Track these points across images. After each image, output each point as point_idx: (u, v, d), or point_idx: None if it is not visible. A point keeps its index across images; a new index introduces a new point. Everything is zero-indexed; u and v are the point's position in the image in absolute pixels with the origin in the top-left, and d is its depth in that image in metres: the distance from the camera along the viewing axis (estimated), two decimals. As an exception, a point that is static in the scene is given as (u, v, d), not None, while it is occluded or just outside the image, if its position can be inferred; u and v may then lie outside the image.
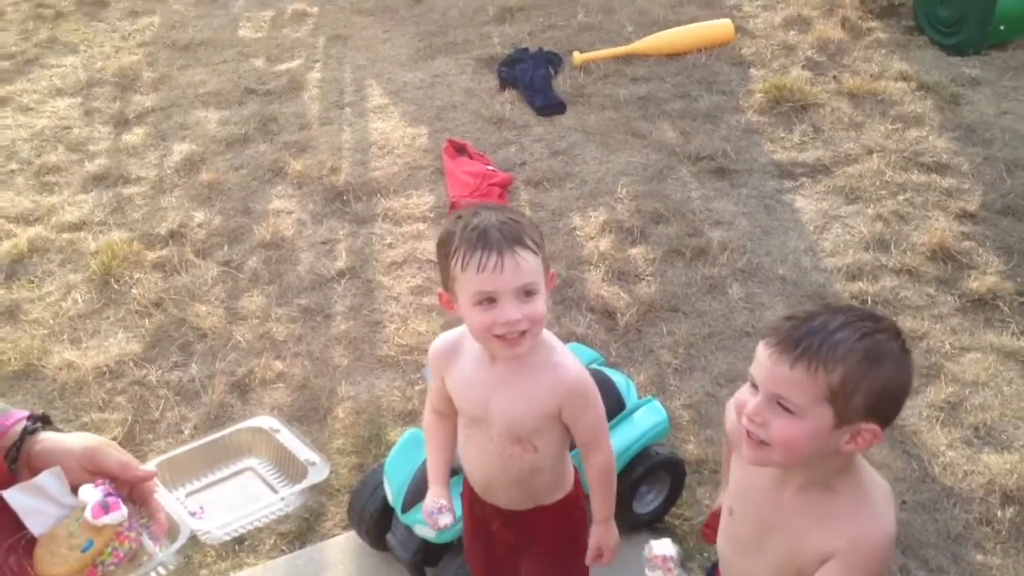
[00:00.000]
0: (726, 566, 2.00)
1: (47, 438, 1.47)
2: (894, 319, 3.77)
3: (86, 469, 1.46)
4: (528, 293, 1.91)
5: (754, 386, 1.68)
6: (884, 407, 1.63)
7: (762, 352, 1.66)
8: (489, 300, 1.91)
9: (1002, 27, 5.63)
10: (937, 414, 3.45)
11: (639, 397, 3.04)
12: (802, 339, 1.61)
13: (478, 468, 2.25)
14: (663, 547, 2.00)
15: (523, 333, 1.93)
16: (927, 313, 3.89)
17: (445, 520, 2.17)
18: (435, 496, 2.22)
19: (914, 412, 3.46)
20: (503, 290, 1.89)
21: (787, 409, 1.63)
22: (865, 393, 1.59)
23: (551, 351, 2.08)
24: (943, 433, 3.38)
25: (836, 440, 1.64)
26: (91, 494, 1.43)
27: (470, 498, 2.35)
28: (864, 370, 1.59)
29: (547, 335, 2.10)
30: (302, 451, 1.81)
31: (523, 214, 2.02)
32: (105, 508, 1.42)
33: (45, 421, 1.50)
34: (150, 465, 1.59)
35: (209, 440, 1.83)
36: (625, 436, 2.88)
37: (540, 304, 1.93)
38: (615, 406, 2.91)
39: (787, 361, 1.61)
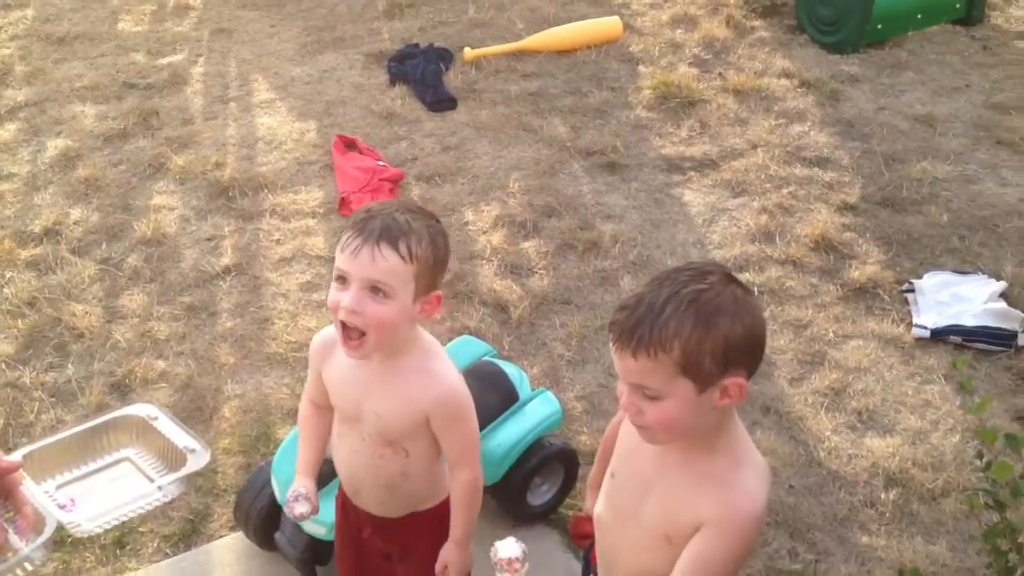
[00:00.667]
0: (603, 535, 1.97)
1: None
2: (776, 309, 3.87)
3: None
4: (376, 291, 1.88)
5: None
6: (737, 358, 1.64)
7: (611, 348, 1.68)
8: (343, 280, 1.91)
9: (879, 26, 5.82)
10: (822, 400, 3.53)
11: (532, 389, 3.03)
12: (635, 329, 1.62)
13: (349, 469, 2.20)
14: (508, 548, 1.95)
15: (362, 335, 1.91)
16: (811, 302, 3.97)
17: (301, 509, 2.12)
18: (297, 484, 2.17)
19: (799, 399, 3.54)
20: (353, 275, 1.88)
21: (650, 396, 1.65)
22: (710, 354, 1.61)
23: (429, 358, 2.05)
24: (828, 418, 3.46)
25: (708, 402, 1.65)
26: None
27: (343, 502, 2.30)
28: (701, 335, 1.60)
29: (430, 343, 2.08)
30: (181, 438, 1.75)
31: (438, 230, 1.97)
32: None
33: None
34: (16, 456, 1.49)
35: (82, 429, 1.75)
36: (518, 427, 2.86)
37: (387, 309, 1.89)
38: (508, 397, 2.89)
39: (629, 354, 1.63)
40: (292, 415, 3.43)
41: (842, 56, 5.83)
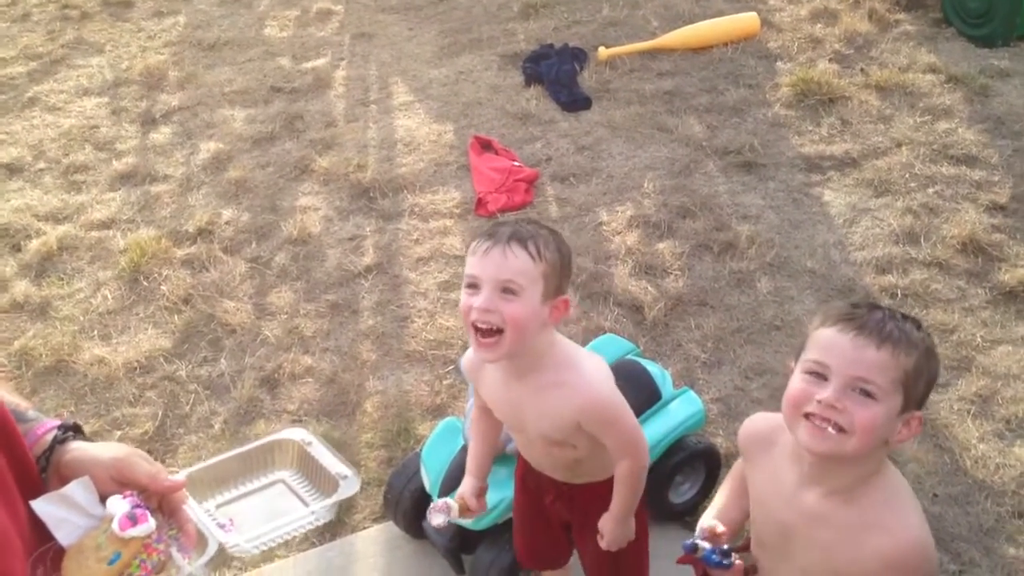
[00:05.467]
0: (761, 566, 1.99)
1: (77, 447, 1.45)
2: (921, 313, 3.76)
3: (115, 479, 1.43)
4: (508, 291, 1.92)
5: (819, 375, 1.67)
6: (926, 396, 1.70)
7: (838, 337, 1.66)
8: (473, 286, 1.95)
9: (1031, 18, 5.57)
10: (968, 407, 3.42)
11: (675, 388, 3.03)
12: (883, 323, 1.65)
13: (528, 455, 2.31)
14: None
15: (497, 333, 1.93)
16: (957, 306, 3.85)
17: (437, 520, 2.20)
18: (463, 487, 2.28)
19: (945, 405, 3.43)
20: (484, 278, 1.93)
21: (868, 393, 1.63)
22: (926, 381, 1.66)
23: (567, 369, 2.07)
24: (975, 426, 3.35)
25: (893, 429, 1.67)
26: (119, 505, 1.40)
27: (523, 472, 2.37)
28: (927, 358, 1.66)
29: (567, 352, 2.10)
30: (334, 464, 1.80)
31: (561, 238, 2.03)
32: (133, 520, 1.38)
33: (76, 430, 1.49)
34: (180, 476, 1.56)
35: (240, 451, 1.82)
36: (661, 426, 2.87)
37: (518, 306, 1.92)
38: (651, 396, 2.90)
39: (873, 344, 1.63)
40: (432, 411, 3.52)
41: (991, 50, 5.60)
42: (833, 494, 1.73)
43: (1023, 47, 5.63)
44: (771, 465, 1.83)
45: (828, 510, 1.73)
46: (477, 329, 1.95)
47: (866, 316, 1.67)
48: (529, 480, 2.37)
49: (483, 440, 2.33)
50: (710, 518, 1.95)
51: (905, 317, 1.69)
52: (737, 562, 1.85)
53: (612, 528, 2.23)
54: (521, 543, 2.56)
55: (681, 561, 1.99)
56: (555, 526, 2.44)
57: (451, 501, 2.22)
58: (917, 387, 1.65)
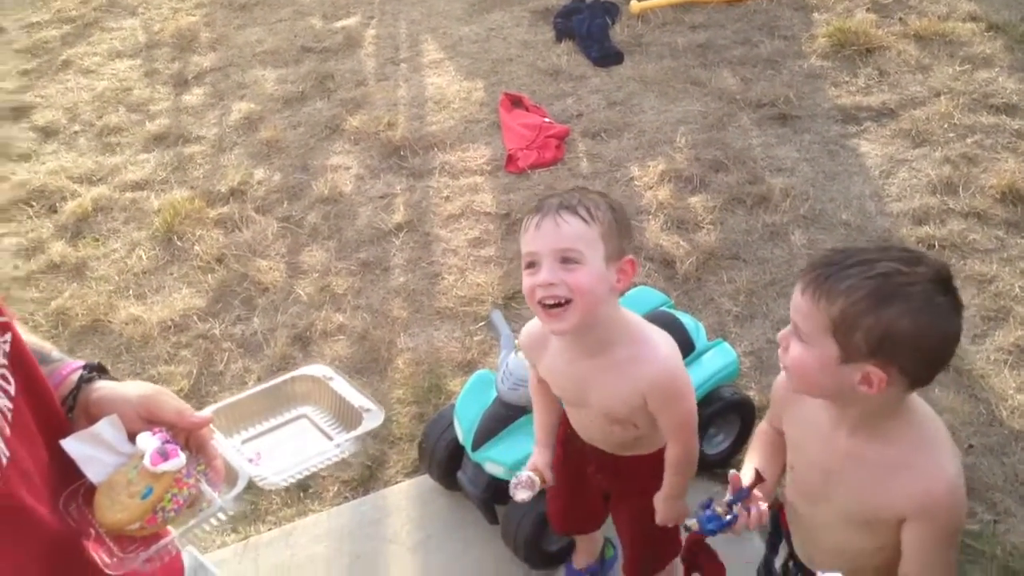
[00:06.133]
0: (793, 514, 1.99)
1: (103, 386, 1.46)
2: (958, 264, 3.69)
3: (142, 417, 1.45)
4: (567, 260, 1.85)
5: (532, 264, 1.89)
6: (892, 351, 1.57)
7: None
8: (533, 264, 1.89)
9: (1077, -38, 5.41)
10: (1006, 357, 3.37)
11: (708, 340, 3.01)
12: (817, 269, 1.62)
13: (584, 431, 2.25)
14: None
15: (566, 303, 1.86)
16: (996, 256, 3.78)
17: (522, 495, 2.18)
18: (533, 461, 2.25)
19: (982, 356, 3.38)
20: (542, 251, 1.87)
21: (800, 337, 1.65)
22: (865, 331, 1.56)
23: (638, 343, 2.01)
24: (1012, 376, 3.30)
25: (847, 377, 1.62)
26: (149, 442, 1.42)
27: (565, 438, 2.33)
28: (865, 308, 1.56)
29: (637, 326, 2.05)
30: (356, 398, 1.80)
31: (612, 200, 1.97)
32: (164, 455, 1.40)
33: (101, 371, 1.50)
34: (206, 412, 1.58)
35: (263, 388, 1.82)
36: (695, 377, 2.81)
37: (582, 274, 1.85)
38: (685, 347, 2.86)
39: (799, 289, 1.64)
40: (463, 367, 3.52)
41: (1035, -5, 5.46)
42: (858, 431, 1.72)
43: (1067, -7, 5.48)
44: (805, 411, 1.82)
45: (862, 449, 1.72)
46: (544, 306, 1.88)
47: (816, 261, 1.66)
48: (572, 449, 2.33)
49: (547, 410, 2.29)
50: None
51: (895, 263, 1.59)
52: (756, 509, 1.83)
53: (666, 508, 2.21)
54: (557, 510, 2.54)
55: (687, 551, 1.99)
56: (594, 495, 2.42)
57: (533, 475, 2.19)
58: (853, 337, 1.57)
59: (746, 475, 1.88)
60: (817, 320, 1.60)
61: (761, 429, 2.08)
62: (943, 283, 1.59)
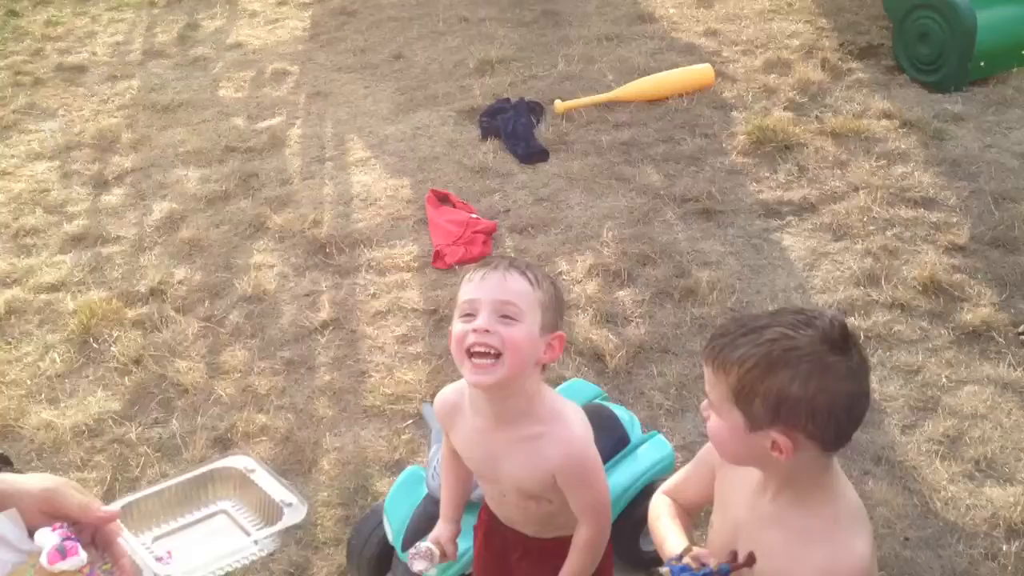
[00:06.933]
0: None
1: (3, 479, 1.39)
2: (884, 355, 3.72)
3: (44, 512, 1.37)
4: (506, 316, 1.85)
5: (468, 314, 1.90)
6: (790, 416, 1.56)
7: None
8: (469, 314, 1.87)
9: (982, 63, 5.64)
10: (936, 448, 3.37)
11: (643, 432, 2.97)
12: (714, 340, 1.64)
13: (498, 510, 2.20)
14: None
15: (495, 357, 1.84)
16: (921, 347, 3.82)
17: (419, 566, 2.12)
18: (435, 534, 2.20)
19: (913, 447, 3.39)
20: (483, 299, 1.86)
21: (713, 408, 1.67)
22: (761, 399, 1.57)
23: (553, 422, 1.99)
24: (943, 467, 3.30)
25: (758, 444, 1.61)
26: (48, 538, 1.34)
27: (487, 527, 2.26)
28: (756, 376, 1.56)
29: (552, 403, 2.02)
30: (278, 491, 1.73)
31: (547, 273, 1.99)
32: (62, 553, 1.32)
33: (4, 461, 1.42)
34: (114, 506, 1.49)
35: (179, 481, 1.74)
36: (630, 471, 2.79)
37: (519, 331, 1.85)
38: (619, 441, 2.83)
39: (703, 360, 1.67)
40: (390, 467, 3.42)
41: (944, 95, 5.67)
42: (780, 494, 1.69)
43: (976, 91, 5.71)
44: (739, 470, 1.80)
45: (784, 513, 1.69)
46: (472, 354, 1.85)
47: (715, 332, 1.68)
48: (493, 537, 2.27)
49: (456, 482, 2.24)
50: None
51: (784, 328, 1.59)
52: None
53: None
54: None
55: None
56: None
57: (432, 547, 2.14)
58: (752, 405, 1.58)
59: (676, 548, 1.85)
60: (720, 391, 1.62)
61: (664, 503, 2.03)
62: (834, 343, 1.57)
